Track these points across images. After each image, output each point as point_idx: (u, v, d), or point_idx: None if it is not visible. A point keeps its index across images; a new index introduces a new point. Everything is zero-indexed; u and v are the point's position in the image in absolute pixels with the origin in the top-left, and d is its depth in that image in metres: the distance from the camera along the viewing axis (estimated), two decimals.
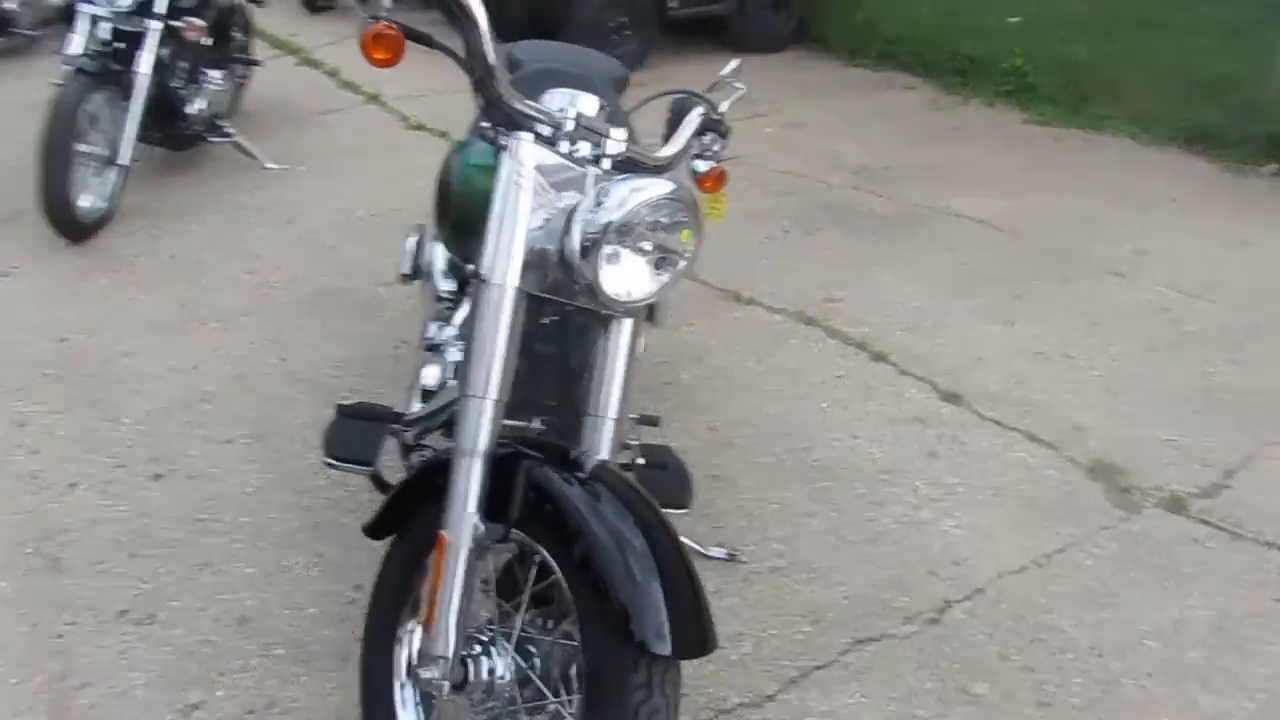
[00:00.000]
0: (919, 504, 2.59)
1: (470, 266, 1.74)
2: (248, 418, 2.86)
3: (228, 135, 4.71)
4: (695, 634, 1.52)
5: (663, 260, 1.65)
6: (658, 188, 1.61)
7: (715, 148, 2.04)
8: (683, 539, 2.30)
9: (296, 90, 5.99)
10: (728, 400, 3.01)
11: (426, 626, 1.58)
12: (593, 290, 1.61)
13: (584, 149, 1.70)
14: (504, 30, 6.54)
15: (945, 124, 5.72)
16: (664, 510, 2.16)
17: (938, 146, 5.29)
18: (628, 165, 1.76)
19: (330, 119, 5.56)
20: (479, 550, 1.60)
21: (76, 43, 3.90)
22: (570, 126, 1.69)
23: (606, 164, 1.70)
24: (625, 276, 1.64)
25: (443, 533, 1.58)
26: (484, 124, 1.74)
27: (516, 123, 1.70)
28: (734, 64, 2.39)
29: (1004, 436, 2.86)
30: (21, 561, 2.33)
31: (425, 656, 1.58)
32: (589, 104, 1.84)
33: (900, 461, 2.75)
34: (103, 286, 3.60)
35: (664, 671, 1.50)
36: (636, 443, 2.32)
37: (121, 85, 3.96)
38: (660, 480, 2.29)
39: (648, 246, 1.65)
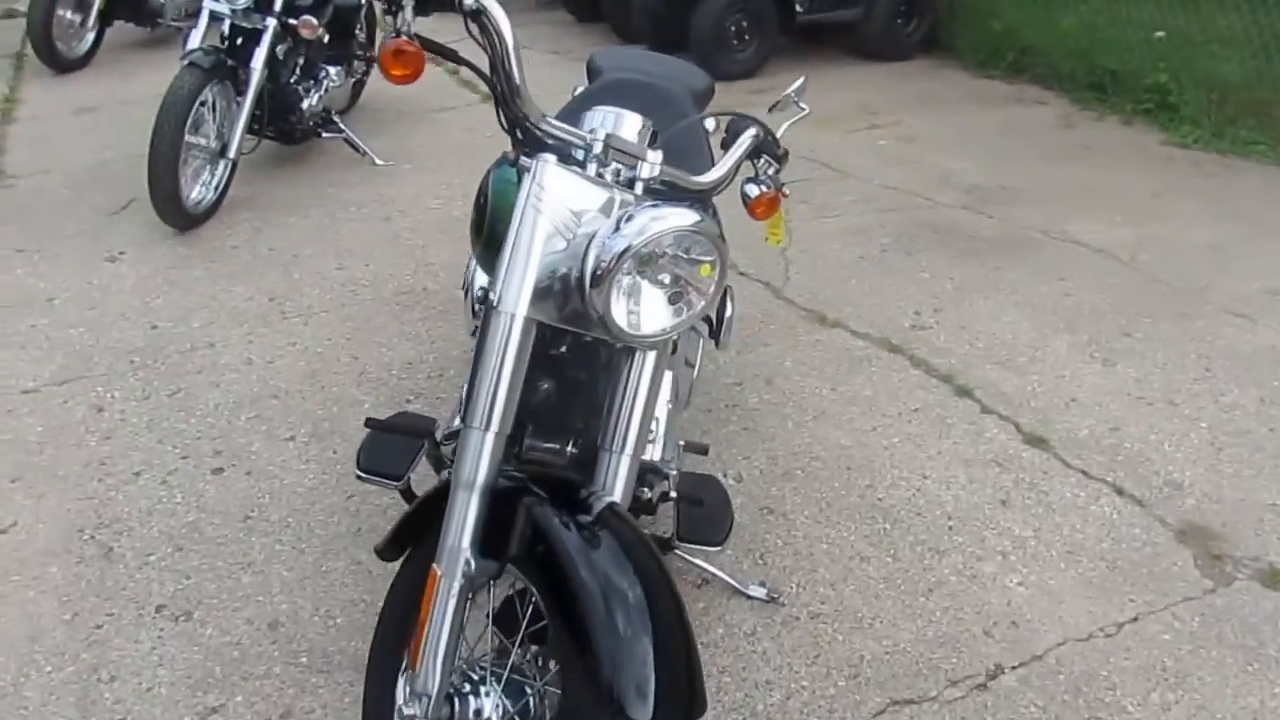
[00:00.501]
0: (983, 556, 2.41)
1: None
2: (312, 416, 2.89)
3: (339, 131, 4.82)
4: (680, 697, 1.43)
5: (679, 295, 1.56)
6: (680, 218, 1.53)
7: (770, 172, 1.94)
8: (721, 574, 2.23)
9: (414, 88, 6.05)
10: (794, 428, 2.87)
11: (413, 661, 1.54)
12: (604, 322, 1.54)
13: (616, 172, 1.63)
14: (629, 36, 6.54)
15: (1075, 142, 5.39)
16: (696, 546, 2.11)
17: (1063, 166, 4.98)
18: (666, 190, 1.68)
19: (443, 117, 5.64)
20: (470, 585, 1.55)
21: (195, 38, 4.06)
22: (599, 149, 1.62)
23: (639, 188, 1.62)
24: (640, 309, 1.56)
25: (435, 566, 1.53)
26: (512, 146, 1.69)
27: (542, 143, 1.64)
28: (798, 82, 2.28)
29: (1088, 488, 2.64)
30: (76, 548, 2.40)
31: (411, 693, 1.53)
32: (630, 124, 1.76)
33: (969, 507, 2.57)
34: (198, 276, 3.71)
35: None
36: (675, 472, 2.23)
37: (235, 80, 4.09)
38: (694, 515, 2.19)
39: (665, 279, 1.56)
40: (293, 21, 4.17)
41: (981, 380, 3.11)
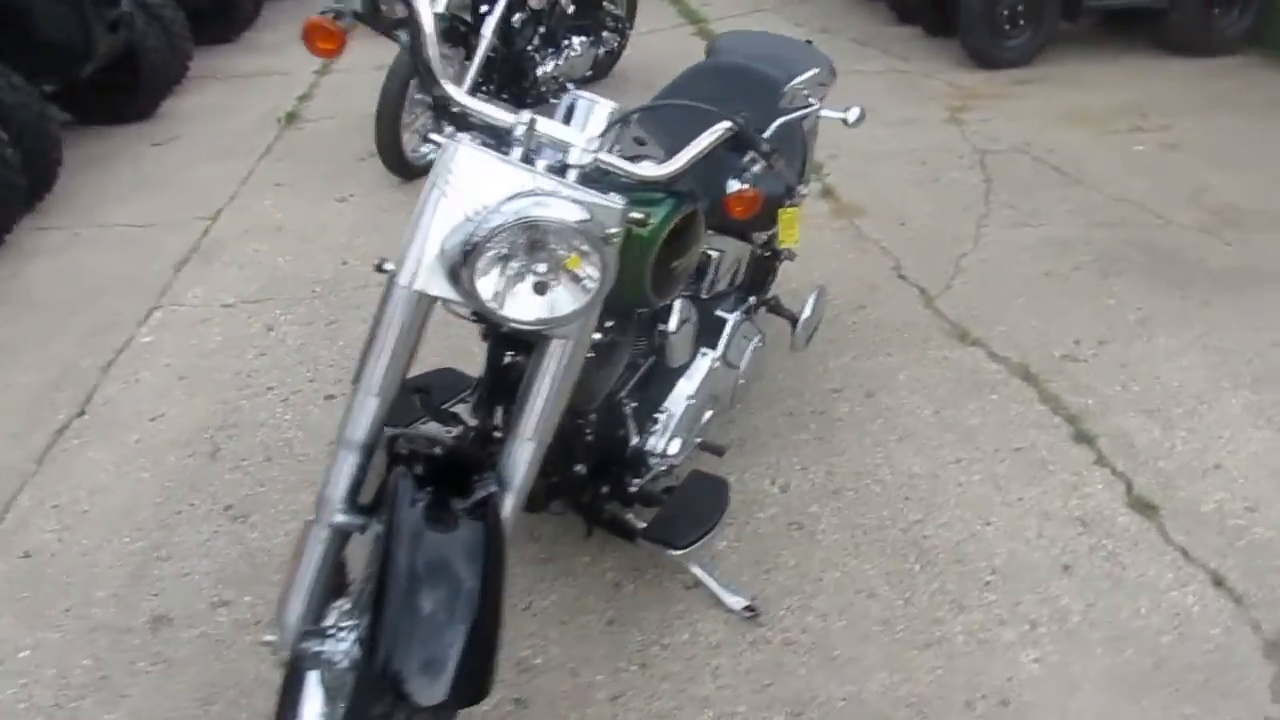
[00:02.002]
0: (1008, 620, 2.12)
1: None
2: (438, 352, 3.06)
3: None
4: (450, 681, 1.40)
5: (544, 285, 1.50)
6: (556, 209, 1.46)
7: (754, 169, 1.80)
8: (708, 579, 2.13)
9: (669, 57, 6.13)
10: (869, 446, 2.66)
11: (282, 597, 1.63)
12: (472, 298, 1.51)
13: (552, 156, 1.59)
14: (905, 14, 6.23)
15: None
16: (655, 544, 2.03)
17: None
18: (615, 177, 1.62)
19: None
20: (337, 535, 1.61)
21: (440, 3, 4.35)
22: (520, 131, 1.59)
23: (573, 175, 1.57)
24: (506, 291, 1.51)
25: (309, 517, 1.61)
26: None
27: (467, 124, 1.63)
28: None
29: (1181, 571, 2.23)
30: (196, 443, 2.74)
31: (276, 623, 1.63)
32: (600, 110, 1.70)
33: (1022, 565, 2.26)
34: (401, 222, 4.02)
35: (409, 714, 1.42)
36: (674, 467, 2.16)
37: (467, 45, 4.35)
38: (669, 513, 2.12)
39: (541, 268, 1.51)
40: None
41: (1113, 428, 2.69)
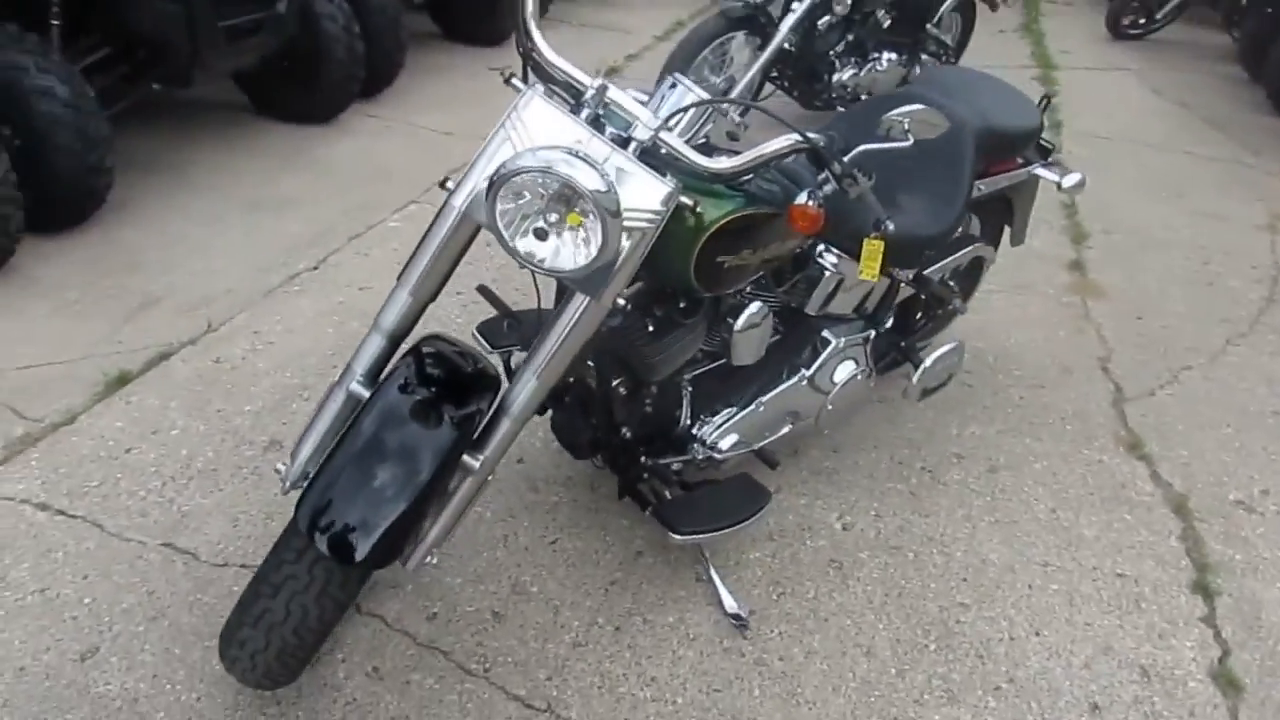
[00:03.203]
0: None
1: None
2: None
3: None
4: (362, 546, 1.56)
5: (544, 233, 1.58)
6: (579, 170, 1.53)
7: (826, 189, 1.77)
8: (716, 578, 2.15)
9: None
10: (959, 520, 2.49)
11: (299, 438, 1.86)
12: (493, 227, 1.62)
13: (623, 126, 1.67)
14: None
15: None
16: (659, 521, 2.07)
17: None
18: (673, 159, 1.67)
19: None
20: (351, 400, 1.80)
21: None
22: (590, 95, 1.67)
23: (633, 148, 1.64)
24: (519, 227, 1.60)
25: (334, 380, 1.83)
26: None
27: (547, 76, 1.74)
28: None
29: None
30: (316, 379, 2.85)
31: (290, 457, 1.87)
32: (689, 97, 1.75)
33: (1046, 686, 2.05)
34: None
35: (315, 561, 1.59)
36: (711, 458, 2.17)
37: (764, 37, 4.42)
38: (683, 501, 2.16)
39: (552, 217, 1.58)
40: None
41: (1245, 592, 2.33)
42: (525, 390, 1.78)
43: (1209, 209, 4.48)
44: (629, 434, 2.13)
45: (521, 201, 1.58)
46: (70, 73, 3.20)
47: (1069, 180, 2.70)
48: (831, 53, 4.68)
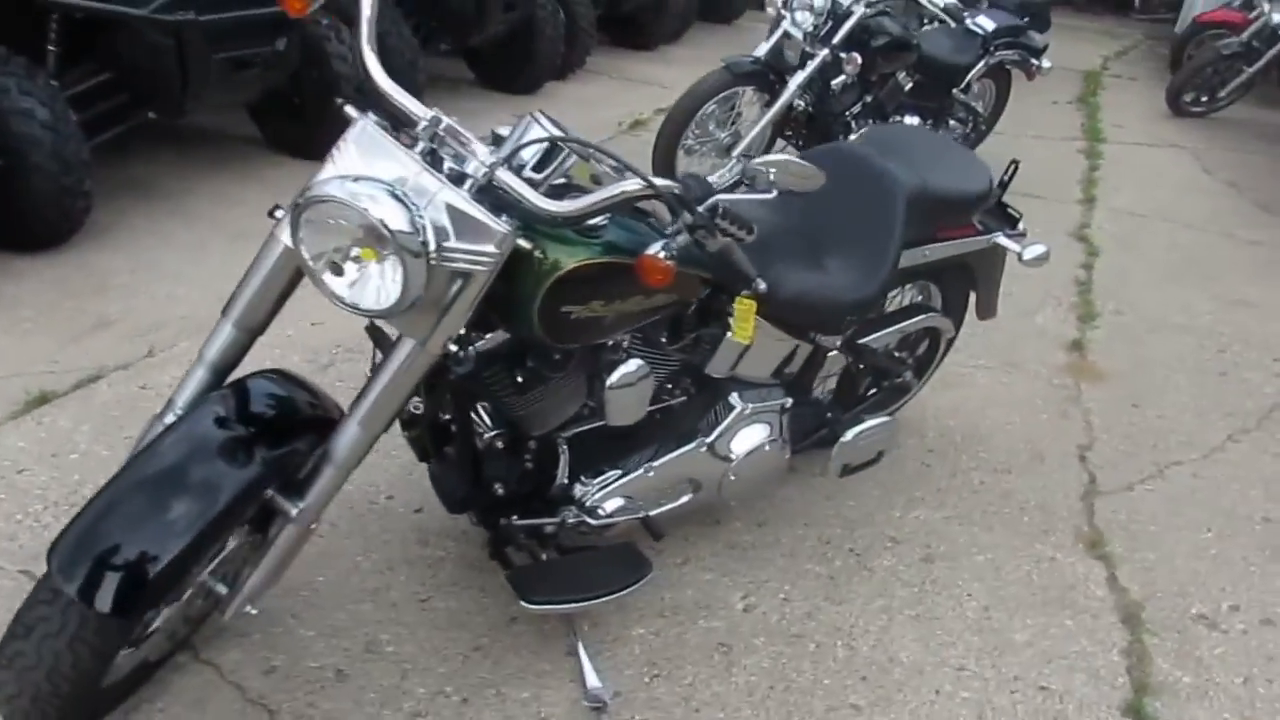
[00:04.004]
0: None
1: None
2: None
3: None
4: (109, 591, 1.44)
5: (338, 267, 1.48)
6: (379, 205, 1.44)
7: (679, 240, 1.63)
8: (584, 656, 1.98)
9: (1033, 165, 5.57)
10: (876, 610, 2.27)
11: None
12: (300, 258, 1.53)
13: (455, 162, 1.58)
14: None
15: None
16: (511, 585, 1.92)
17: None
18: (505, 196, 1.56)
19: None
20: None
21: (761, 48, 4.34)
22: (423, 127, 1.57)
23: (469, 185, 1.54)
24: (320, 261, 1.51)
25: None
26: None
27: (381, 105, 1.64)
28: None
29: None
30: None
31: None
32: (534, 132, 1.65)
33: None
34: None
35: (69, 604, 1.48)
36: (588, 524, 2.01)
37: (773, 94, 4.30)
38: (542, 566, 2.00)
39: (354, 252, 1.48)
40: (842, 55, 4.21)
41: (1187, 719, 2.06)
42: (348, 438, 1.67)
43: (1238, 295, 4.16)
44: (501, 490, 1.99)
45: (324, 233, 1.48)
46: (53, 96, 3.24)
47: (1031, 252, 2.50)
48: (848, 113, 4.54)
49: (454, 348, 1.62)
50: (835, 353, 2.35)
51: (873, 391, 2.68)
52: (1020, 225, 2.61)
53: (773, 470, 2.29)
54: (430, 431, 1.99)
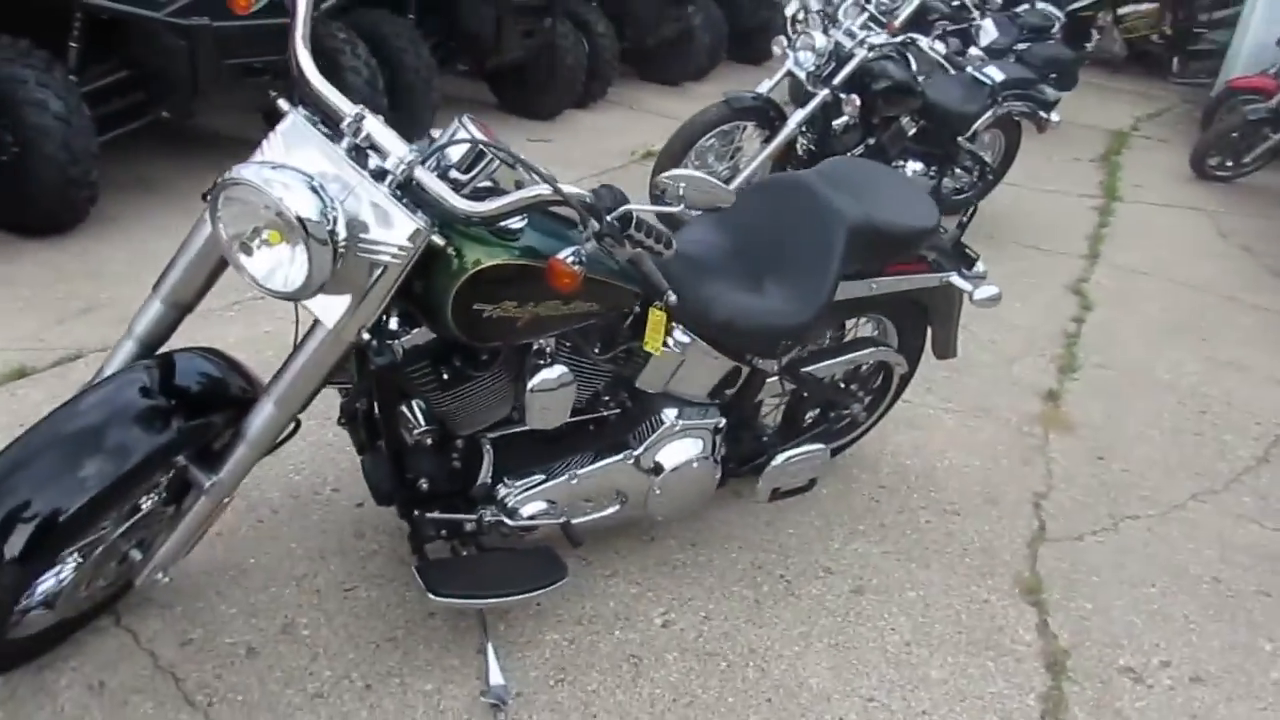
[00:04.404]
0: None
1: None
2: None
3: None
4: (18, 538, 1.51)
5: (248, 248, 1.56)
6: (292, 194, 1.51)
7: (587, 246, 1.69)
8: (492, 654, 2.02)
9: (1045, 217, 5.59)
10: (796, 636, 2.28)
11: None
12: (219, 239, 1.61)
13: (377, 160, 1.65)
14: None
15: None
16: (418, 576, 1.97)
17: None
18: (425, 195, 1.63)
19: (1017, 267, 5.09)
20: None
21: (764, 85, 4.42)
22: (347, 123, 1.65)
23: (390, 181, 1.62)
24: (228, 234, 1.58)
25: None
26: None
27: (312, 100, 1.72)
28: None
29: None
30: None
31: None
32: (456, 133, 1.72)
33: None
34: None
35: None
36: (505, 525, 2.05)
37: (773, 129, 4.36)
38: (454, 563, 2.04)
39: (265, 234, 1.55)
40: (842, 96, 4.26)
41: None
42: (263, 416, 1.74)
43: (1229, 357, 4.12)
44: (425, 486, 2.05)
45: (240, 216, 1.56)
46: (69, 90, 3.40)
47: (982, 293, 2.53)
48: (849, 154, 4.58)
49: (367, 336, 1.68)
50: (774, 379, 2.39)
51: (817, 422, 2.69)
52: (979, 266, 2.63)
53: (701, 488, 2.31)
54: (366, 424, 2.06)
